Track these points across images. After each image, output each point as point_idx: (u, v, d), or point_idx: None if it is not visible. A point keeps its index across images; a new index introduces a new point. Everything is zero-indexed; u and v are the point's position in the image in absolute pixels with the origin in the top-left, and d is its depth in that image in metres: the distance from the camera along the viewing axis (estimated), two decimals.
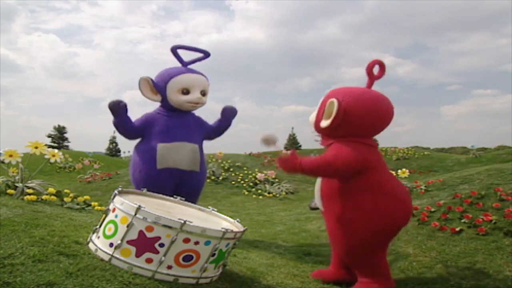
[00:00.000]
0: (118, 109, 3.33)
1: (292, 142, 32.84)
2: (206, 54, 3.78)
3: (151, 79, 3.51)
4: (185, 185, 3.55)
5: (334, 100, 2.39)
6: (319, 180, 2.67)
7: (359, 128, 2.47)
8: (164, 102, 3.56)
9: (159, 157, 3.39)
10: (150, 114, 3.61)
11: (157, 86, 3.52)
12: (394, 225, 2.45)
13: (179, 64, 3.69)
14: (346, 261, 2.63)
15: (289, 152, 2.41)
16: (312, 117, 2.70)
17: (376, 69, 2.66)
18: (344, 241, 2.49)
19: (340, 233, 2.50)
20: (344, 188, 2.44)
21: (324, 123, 2.51)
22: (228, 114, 3.88)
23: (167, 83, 3.50)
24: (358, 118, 2.42)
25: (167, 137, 3.45)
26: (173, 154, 3.41)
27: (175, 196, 2.60)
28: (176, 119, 3.56)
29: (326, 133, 2.60)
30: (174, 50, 3.68)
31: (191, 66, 3.73)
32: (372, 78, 2.64)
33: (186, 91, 3.51)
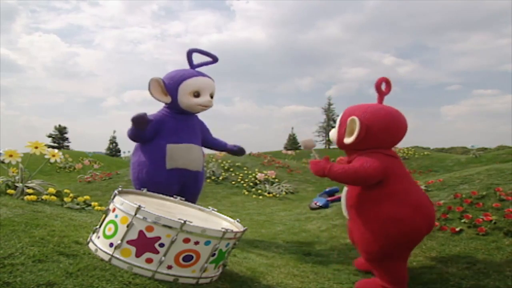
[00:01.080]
0: (143, 123, 3.34)
1: (292, 142, 32.83)
2: (215, 59, 3.82)
3: (163, 80, 3.53)
4: (190, 185, 3.63)
5: (356, 118, 2.59)
6: (345, 189, 2.85)
7: (379, 142, 2.65)
8: (173, 104, 3.57)
9: (169, 158, 3.42)
10: (158, 116, 3.59)
11: (168, 88, 3.53)
12: (414, 234, 2.51)
13: (182, 66, 3.72)
14: (367, 264, 2.77)
15: (323, 157, 2.69)
16: (333, 134, 2.89)
17: (383, 86, 2.85)
18: (365, 248, 2.63)
19: (362, 240, 2.63)
20: (367, 196, 2.58)
21: (348, 140, 2.69)
22: (237, 152, 4.06)
23: (179, 85, 3.51)
24: (377, 132, 2.61)
25: (176, 138, 3.48)
26: (183, 155, 3.46)
27: (175, 196, 2.60)
28: (182, 122, 3.60)
29: (349, 148, 2.77)
30: (190, 53, 3.71)
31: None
32: (381, 94, 2.83)
33: (197, 94, 3.55)
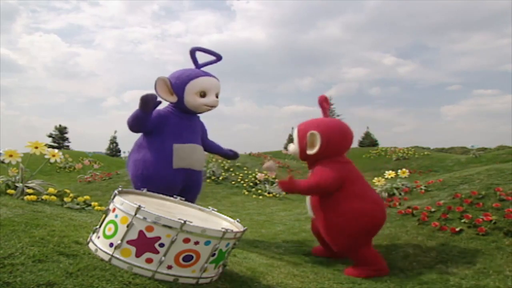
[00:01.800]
0: (150, 104, 3.28)
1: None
2: (218, 58, 3.83)
3: (169, 80, 3.53)
4: (193, 185, 3.67)
5: (315, 132, 3.10)
6: (308, 198, 3.33)
7: (335, 150, 3.17)
8: (178, 103, 3.57)
9: (176, 157, 3.44)
10: (163, 111, 3.59)
11: (175, 87, 3.53)
12: (373, 225, 3.05)
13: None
14: (339, 254, 3.28)
15: (287, 178, 3.06)
16: (294, 149, 3.40)
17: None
18: (333, 240, 3.11)
19: (329, 234, 3.12)
20: (330, 198, 3.07)
21: (311, 151, 3.16)
22: (232, 156, 4.22)
23: (186, 85, 3.52)
24: (334, 142, 3.13)
25: (180, 138, 3.50)
26: (188, 155, 3.51)
27: (175, 196, 2.60)
28: (187, 121, 3.62)
29: (311, 158, 3.27)
30: (193, 51, 3.72)
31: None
32: (325, 109, 3.42)
33: (203, 94, 3.57)
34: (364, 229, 2.98)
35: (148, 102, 3.24)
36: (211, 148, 4.04)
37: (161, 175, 3.40)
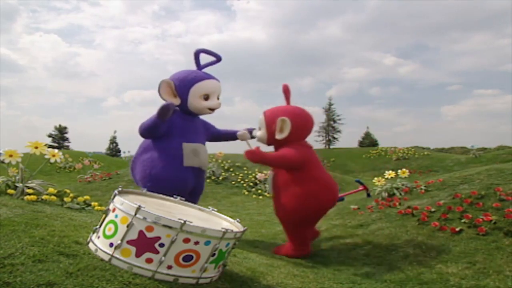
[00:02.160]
0: (170, 113, 3.34)
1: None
2: (219, 59, 3.86)
3: (174, 82, 3.55)
4: (200, 184, 3.75)
5: (286, 118, 3.36)
6: (271, 174, 3.60)
7: (299, 136, 3.46)
8: (182, 105, 3.61)
9: (186, 156, 3.48)
10: None
11: (179, 90, 3.56)
12: (325, 206, 3.46)
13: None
14: (283, 250, 3.56)
15: (254, 147, 3.33)
16: (263, 134, 3.60)
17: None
18: (285, 217, 3.47)
19: (283, 211, 3.44)
20: (290, 179, 3.36)
21: (281, 135, 3.41)
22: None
23: (190, 88, 3.56)
24: (298, 128, 3.42)
25: (186, 138, 3.55)
26: (197, 154, 3.56)
27: (175, 196, 2.60)
28: (190, 122, 3.67)
29: (278, 143, 3.50)
30: (197, 53, 3.75)
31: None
32: (288, 97, 3.62)
33: (206, 97, 3.62)
34: (313, 210, 3.38)
35: (168, 111, 3.31)
36: (227, 135, 4.09)
37: (172, 174, 3.41)
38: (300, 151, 3.35)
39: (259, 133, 3.66)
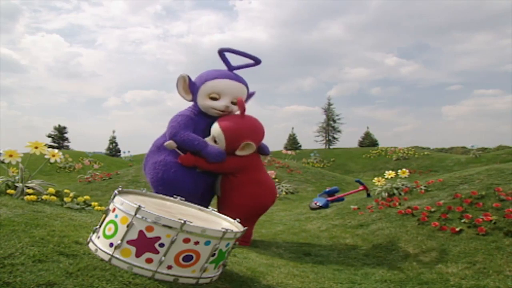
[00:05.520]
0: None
1: (292, 142, 32.81)
2: (257, 62, 3.75)
3: (189, 78, 3.52)
4: (208, 190, 3.75)
5: (253, 144, 3.53)
6: (220, 176, 3.75)
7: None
8: (194, 103, 3.58)
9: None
10: (189, 117, 3.57)
11: (192, 86, 3.53)
12: (265, 206, 3.81)
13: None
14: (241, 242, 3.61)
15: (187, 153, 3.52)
16: (220, 147, 3.59)
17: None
18: (231, 215, 3.53)
19: (230, 211, 3.40)
20: (235, 181, 3.63)
21: (241, 153, 3.59)
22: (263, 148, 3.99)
23: (200, 86, 3.50)
24: (250, 141, 3.55)
25: None
26: None
27: (175, 196, 2.60)
28: (202, 125, 3.59)
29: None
30: (221, 52, 3.65)
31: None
32: (243, 109, 3.60)
33: (215, 97, 3.50)
34: (257, 209, 3.73)
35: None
36: None
37: (184, 180, 3.40)
38: (237, 159, 3.59)
39: (217, 146, 3.57)
